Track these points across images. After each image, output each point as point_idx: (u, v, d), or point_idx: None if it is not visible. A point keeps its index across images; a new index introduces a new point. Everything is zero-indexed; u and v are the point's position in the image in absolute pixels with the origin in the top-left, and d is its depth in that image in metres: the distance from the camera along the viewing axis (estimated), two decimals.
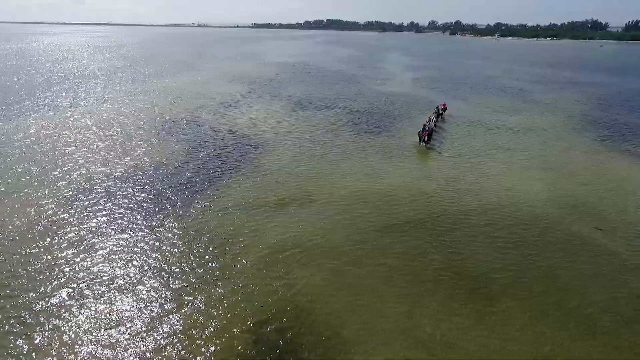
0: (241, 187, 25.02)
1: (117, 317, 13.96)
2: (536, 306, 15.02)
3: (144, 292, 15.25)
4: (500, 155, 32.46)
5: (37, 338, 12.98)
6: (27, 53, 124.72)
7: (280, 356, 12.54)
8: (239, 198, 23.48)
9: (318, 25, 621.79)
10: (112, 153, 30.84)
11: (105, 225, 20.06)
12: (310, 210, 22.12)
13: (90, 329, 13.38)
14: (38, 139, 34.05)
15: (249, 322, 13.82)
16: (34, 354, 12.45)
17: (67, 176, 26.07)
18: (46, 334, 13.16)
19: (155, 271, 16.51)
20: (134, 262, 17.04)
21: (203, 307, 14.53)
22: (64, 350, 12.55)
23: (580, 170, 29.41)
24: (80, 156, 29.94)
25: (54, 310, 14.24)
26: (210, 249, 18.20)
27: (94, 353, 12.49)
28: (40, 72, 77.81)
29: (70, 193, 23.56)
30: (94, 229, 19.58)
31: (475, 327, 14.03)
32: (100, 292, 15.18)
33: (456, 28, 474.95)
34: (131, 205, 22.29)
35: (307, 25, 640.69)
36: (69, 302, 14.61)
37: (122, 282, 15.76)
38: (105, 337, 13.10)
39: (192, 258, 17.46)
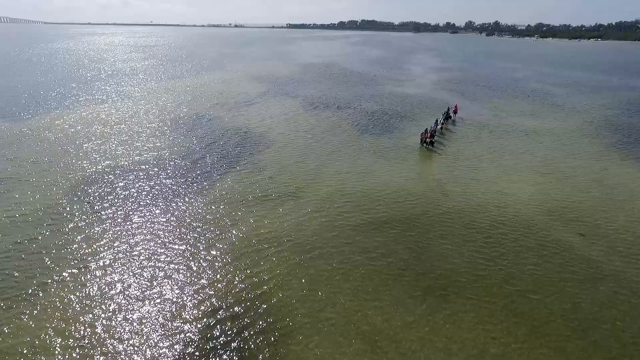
0: (232, 181, 26.13)
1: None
2: (489, 308, 15.06)
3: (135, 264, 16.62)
4: (501, 160, 31.90)
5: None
6: (72, 52, 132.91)
7: (229, 339, 13.40)
8: (227, 192, 24.59)
9: (352, 26, 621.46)
10: (119, 145, 32.94)
11: (108, 210, 21.77)
12: (292, 206, 22.86)
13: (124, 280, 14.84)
14: (66, 130, 36.81)
15: (206, 308, 14.80)
16: (78, 306, 13.97)
17: (86, 161, 28.23)
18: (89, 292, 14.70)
19: (133, 254, 17.89)
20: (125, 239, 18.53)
21: (167, 293, 15.65)
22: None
23: (581, 177, 28.50)
24: (100, 146, 32.20)
25: (93, 272, 15.83)
26: (187, 237, 19.38)
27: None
28: (80, 70, 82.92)
29: (94, 174, 25.60)
30: (102, 211, 21.34)
31: (424, 324, 14.27)
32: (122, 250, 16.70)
33: (494, 29, 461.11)
34: (132, 193, 23.94)
35: (342, 25, 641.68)
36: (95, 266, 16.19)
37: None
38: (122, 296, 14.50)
39: (167, 245, 18.69)
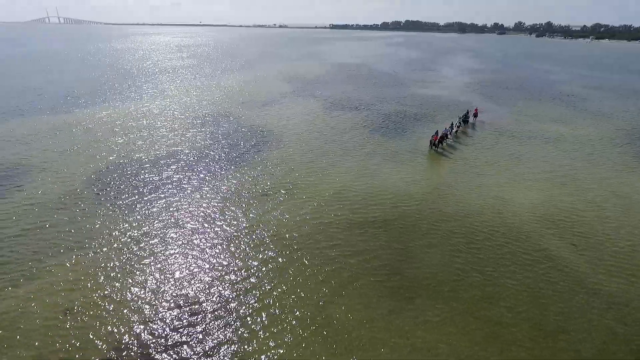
0: (234, 179, 27.40)
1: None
2: (451, 312, 15.20)
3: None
4: (513, 167, 31.13)
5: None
6: (121, 51, 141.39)
7: (191, 327, 14.56)
8: (227, 188, 25.89)
9: (396, 26, 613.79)
10: (140, 140, 35.30)
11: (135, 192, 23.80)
12: (285, 205, 23.73)
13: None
14: (97, 123, 39.95)
15: (175, 302, 16.06)
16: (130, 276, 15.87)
17: (108, 153, 30.73)
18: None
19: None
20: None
21: (143, 276, 17.10)
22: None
23: (598, 188, 27.28)
24: (123, 140, 34.80)
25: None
26: (174, 233, 20.82)
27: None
28: (123, 68, 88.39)
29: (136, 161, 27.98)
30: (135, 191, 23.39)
31: (381, 323, 14.66)
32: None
33: (545, 30, 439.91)
34: (142, 183, 25.88)
35: (385, 26, 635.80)
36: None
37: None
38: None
39: (158, 241, 20.22)
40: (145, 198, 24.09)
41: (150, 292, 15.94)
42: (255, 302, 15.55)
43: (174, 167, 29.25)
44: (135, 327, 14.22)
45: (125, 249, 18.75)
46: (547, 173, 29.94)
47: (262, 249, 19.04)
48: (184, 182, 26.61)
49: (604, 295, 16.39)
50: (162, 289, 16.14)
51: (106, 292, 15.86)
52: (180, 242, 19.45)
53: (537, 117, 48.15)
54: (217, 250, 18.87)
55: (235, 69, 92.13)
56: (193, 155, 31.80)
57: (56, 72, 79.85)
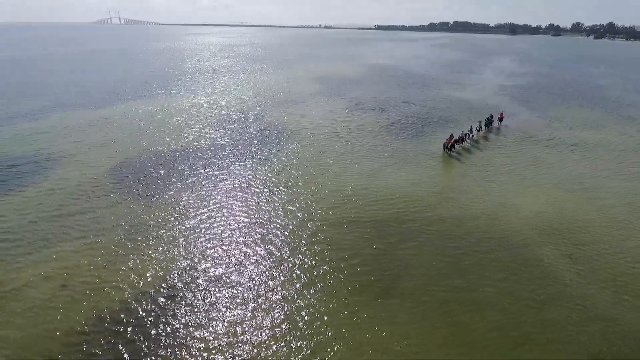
0: (238, 175, 28.65)
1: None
2: (422, 314, 15.34)
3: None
4: (527, 173, 30.14)
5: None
6: (165, 51, 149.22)
7: (173, 312, 15.85)
8: (230, 183, 27.20)
9: (443, 27, 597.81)
10: (167, 135, 37.68)
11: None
12: (287, 205, 24.59)
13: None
14: (128, 119, 43.11)
15: (154, 287, 17.47)
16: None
17: (132, 146, 33.31)
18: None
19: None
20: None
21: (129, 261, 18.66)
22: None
23: (614, 199, 25.93)
24: (150, 135, 37.39)
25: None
26: (170, 224, 22.34)
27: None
28: (165, 68, 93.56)
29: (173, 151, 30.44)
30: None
31: (345, 319, 15.11)
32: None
33: (606, 31, 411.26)
34: (160, 176, 27.90)
35: (432, 27, 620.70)
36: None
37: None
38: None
39: (149, 237, 21.82)
40: (159, 189, 25.92)
41: (138, 275, 17.47)
42: (221, 297, 16.60)
43: (190, 162, 31.08)
44: (128, 300, 15.72)
45: (131, 238, 20.50)
46: (561, 181, 28.75)
47: (240, 239, 20.11)
48: (192, 177, 28.32)
49: (588, 309, 15.84)
50: (151, 272, 17.62)
51: (103, 273, 17.55)
52: (183, 232, 20.96)
53: (570, 123, 45.89)
54: (216, 242, 20.14)
55: (272, 68, 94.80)
56: (211, 151, 33.58)
57: (105, 69, 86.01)
